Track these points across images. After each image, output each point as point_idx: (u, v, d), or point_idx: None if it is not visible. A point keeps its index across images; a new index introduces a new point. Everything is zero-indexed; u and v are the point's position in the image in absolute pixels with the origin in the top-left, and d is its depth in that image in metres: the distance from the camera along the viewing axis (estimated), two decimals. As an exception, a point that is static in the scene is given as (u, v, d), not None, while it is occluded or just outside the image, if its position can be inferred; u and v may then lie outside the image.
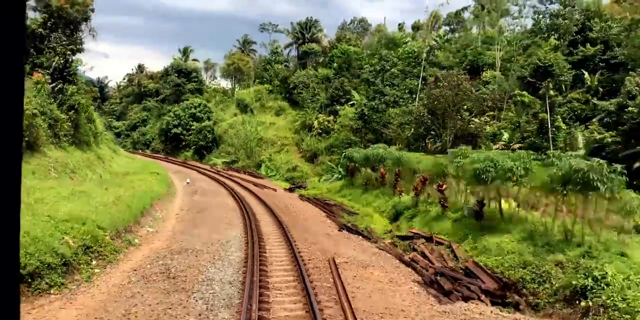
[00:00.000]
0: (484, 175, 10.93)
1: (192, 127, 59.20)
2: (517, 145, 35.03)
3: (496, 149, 34.18)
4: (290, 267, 10.03)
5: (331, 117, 50.15)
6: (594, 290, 7.76)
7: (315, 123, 51.19)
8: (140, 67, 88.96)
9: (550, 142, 33.19)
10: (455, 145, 35.20)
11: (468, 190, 13.54)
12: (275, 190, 27.55)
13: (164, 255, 10.43)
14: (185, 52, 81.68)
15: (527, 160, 10.98)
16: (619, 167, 9.41)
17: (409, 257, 10.97)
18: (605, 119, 33.01)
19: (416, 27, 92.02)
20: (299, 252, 11.04)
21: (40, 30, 20.60)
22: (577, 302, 7.85)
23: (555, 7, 45.39)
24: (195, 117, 60.70)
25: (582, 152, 32.23)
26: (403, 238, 12.81)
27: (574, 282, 8.12)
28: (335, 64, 57.03)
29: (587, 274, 8.13)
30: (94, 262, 9.62)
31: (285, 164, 50.14)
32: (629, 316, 7.03)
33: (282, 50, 73.09)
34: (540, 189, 10.71)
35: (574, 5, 45.41)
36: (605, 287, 7.68)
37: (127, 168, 25.22)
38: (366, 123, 42.00)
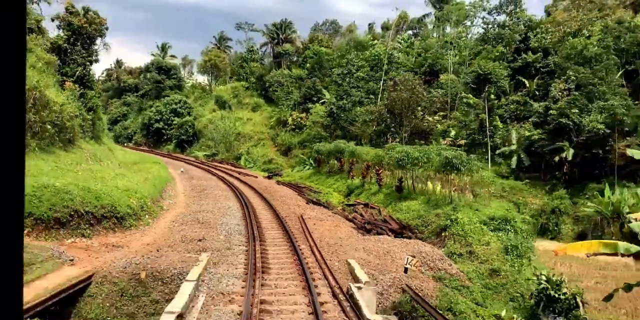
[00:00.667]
0: (401, 162, 16.81)
1: (174, 122, 63.68)
2: (463, 141, 41.58)
3: (444, 144, 40.60)
4: (274, 220, 15.75)
5: (304, 114, 55.75)
6: (450, 227, 13.74)
7: (290, 119, 56.80)
8: (119, 62, 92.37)
9: (489, 138, 39.76)
10: (412, 141, 41.53)
11: (394, 173, 19.52)
12: (257, 177, 33.15)
13: (189, 213, 16.03)
14: (163, 48, 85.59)
15: (429, 152, 17.00)
16: (473, 157, 15.48)
17: (352, 216, 16.84)
18: (536, 119, 39.66)
19: (385, 28, 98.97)
20: (279, 213, 16.77)
21: (65, 45, 25.68)
22: (441, 233, 13.82)
23: (502, 18, 52.12)
24: (176, 112, 65.31)
25: (514, 146, 38.99)
26: (349, 205, 18.69)
27: (441, 223, 14.13)
28: (308, 65, 62.59)
29: (449, 219, 14.12)
30: (147, 216, 15.20)
31: (262, 157, 55.71)
32: (464, 238, 13.01)
33: (257, 49, 77.87)
34: (435, 171, 16.67)
35: (519, 17, 52.14)
36: (456, 225, 13.66)
37: (130, 158, 30.40)
38: (335, 120, 47.73)
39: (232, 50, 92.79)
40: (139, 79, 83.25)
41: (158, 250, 11.07)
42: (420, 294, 9.09)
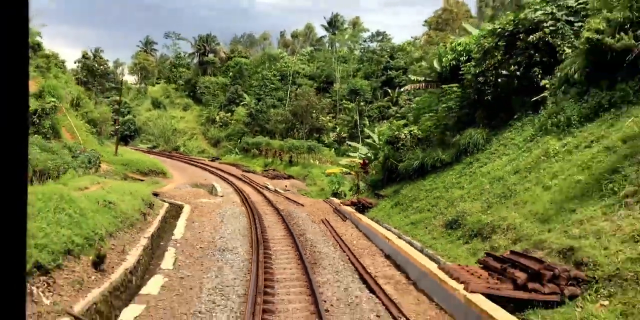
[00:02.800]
0: (291, 148, 35.43)
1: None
2: (345, 134, 61.77)
3: (333, 137, 60.52)
4: (228, 177, 33.83)
5: (229, 114, 73.23)
6: (309, 175, 32.76)
7: (217, 118, 74.01)
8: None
9: (359, 133, 60.12)
10: (310, 135, 61.00)
11: (289, 154, 38.51)
12: (204, 161, 50.56)
13: (185, 182, 33.76)
14: (96, 52, 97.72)
15: (304, 144, 35.87)
16: (315, 142, 34.71)
17: (266, 174, 35.49)
18: (392, 119, 60.53)
19: (295, 36, 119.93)
20: (226, 178, 34.88)
21: (84, 79, 41.70)
22: (305, 177, 32.81)
23: (374, 45, 73.23)
24: (118, 112, 79.40)
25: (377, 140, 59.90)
26: (265, 170, 37.22)
27: (306, 173, 33.22)
28: (230, 73, 79.83)
29: (309, 171, 33.19)
30: (168, 173, 32.88)
31: (196, 148, 72.41)
32: (313, 179, 32.02)
33: (185, 56, 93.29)
34: (306, 152, 35.78)
35: (385, 45, 73.53)
36: (311, 174, 32.72)
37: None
38: (254, 119, 65.78)
39: (157, 53, 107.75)
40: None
41: (177, 186, 28.91)
42: (290, 195, 27.81)
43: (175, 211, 17.22)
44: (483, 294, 7.44)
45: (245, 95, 73.12)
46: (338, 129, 63.07)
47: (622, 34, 11.48)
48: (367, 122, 62.34)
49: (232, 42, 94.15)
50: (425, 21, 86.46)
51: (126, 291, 8.11)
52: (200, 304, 7.50)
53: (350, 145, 40.59)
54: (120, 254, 9.38)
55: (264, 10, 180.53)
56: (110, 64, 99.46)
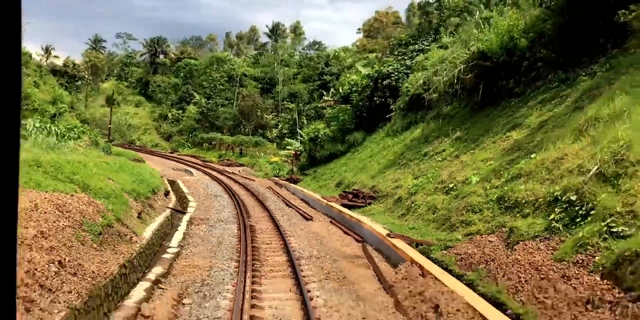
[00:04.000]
0: (241, 143, 45.62)
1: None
2: (286, 131, 72.60)
3: (275, 134, 71.23)
4: (193, 165, 43.65)
5: (180, 111, 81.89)
6: (256, 163, 43.34)
7: (170, 115, 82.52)
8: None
9: (299, 129, 71.07)
10: (256, 131, 71.27)
11: (239, 147, 48.68)
12: (166, 153, 59.61)
13: (162, 168, 43.20)
14: (47, 50, 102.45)
15: (252, 139, 46.11)
16: (261, 138, 45.39)
17: (223, 163, 45.40)
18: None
19: (239, 37, 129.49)
20: (193, 165, 44.61)
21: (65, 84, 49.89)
22: (254, 165, 43.35)
23: (312, 52, 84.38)
24: (74, 107, 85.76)
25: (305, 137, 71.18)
26: (221, 161, 47.24)
27: (253, 162, 43.75)
28: (181, 74, 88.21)
29: (257, 160, 43.57)
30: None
31: (150, 142, 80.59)
32: (260, 166, 42.65)
33: (136, 56, 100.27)
34: (253, 146, 46.18)
35: (323, 52, 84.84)
36: (258, 163, 43.21)
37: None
38: (205, 116, 75.05)
39: (106, 50, 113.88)
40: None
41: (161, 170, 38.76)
42: (244, 175, 38.18)
43: (172, 183, 27.33)
44: (337, 204, 18.64)
45: (195, 94, 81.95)
46: (280, 126, 73.69)
47: (423, 86, 23.10)
48: (305, 121, 73.48)
49: (182, 44, 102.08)
50: (359, 29, 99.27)
51: (182, 205, 18.63)
52: (216, 210, 18.17)
53: (289, 140, 51.24)
54: (168, 195, 19.78)
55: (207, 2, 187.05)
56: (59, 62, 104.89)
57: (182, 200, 19.67)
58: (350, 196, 18.93)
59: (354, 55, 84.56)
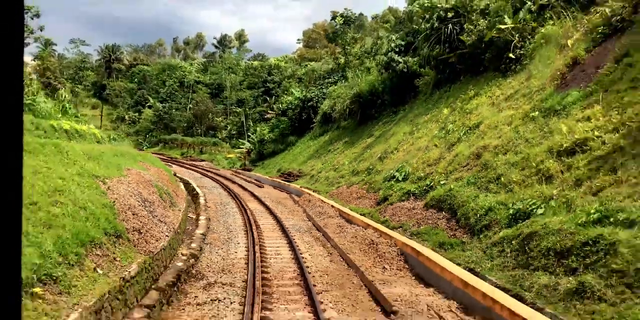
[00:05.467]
0: (201, 143, 57.51)
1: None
2: (234, 133, 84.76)
3: (225, 134, 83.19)
4: (163, 160, 55.21)
5: (137, 113, 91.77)
6: (215, 159, 55.39)
7: (127, 117, 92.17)
8: None
9: (246, 131, 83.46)
10: (207, 132, 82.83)
11: (200, 146, 60.64)
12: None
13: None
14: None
15: (211, 140, 58.30)
16: (218, 139, 57.64)
17: (187, 160, 57.28)
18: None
19: (187, 43, 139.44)
20: (165, 161, 56.06)
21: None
22: (212, 160, 55.42)
23: (256, 62, 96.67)
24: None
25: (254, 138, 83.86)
26: (185, 157, 59.02)
27: (212, 158, 55.86)
28: (136, 79, 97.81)
29: (215, 156, 55.75)
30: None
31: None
32: (218, 161, 54.77)
33: (92, 61, 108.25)
34: (212, 146, 58.27)
35: (265, 63, 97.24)
36: (216, 158, 55.40)
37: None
38: (160, 119, 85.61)
39: (56, 54, 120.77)
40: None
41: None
42: (208, 167, 50.37)
43: (162, 172, 39.43)
44: (278, 179, 31.78)
45: (150, 98, 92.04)
46: (229, 128, 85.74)
47: (331, 108, 36.80)
48: (251, 123, 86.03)
49: (134, 50, 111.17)
50: (299, 39, 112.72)
51: (194, 191, 31.17)
52: (208, 184, 30.89)
53: (240, 141, 63.65)
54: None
55: None
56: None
57: (182, 179, 32.12)
58: (286, 175, 32.21)
59: (294, 63, 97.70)
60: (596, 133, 9.42)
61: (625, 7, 12.81)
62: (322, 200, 20.02)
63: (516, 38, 16.50)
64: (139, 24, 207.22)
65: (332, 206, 18.44)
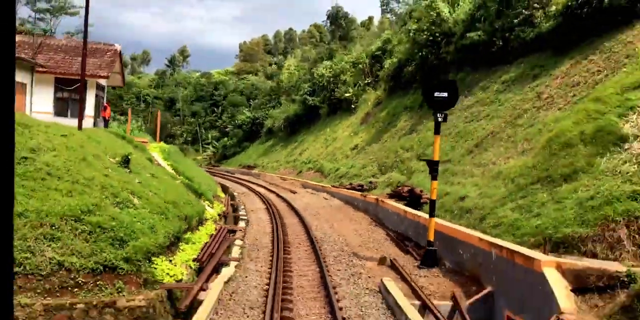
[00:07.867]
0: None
1: None
2: (190, 139, 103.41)
3: (182, 141, 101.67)
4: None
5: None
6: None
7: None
8: None
9: (200, 138, 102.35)
10: (167, 140, 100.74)
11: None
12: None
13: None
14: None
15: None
16: (185, 145, 76.75)
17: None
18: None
19: (133, 58, 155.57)
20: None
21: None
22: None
23: (203, 80, 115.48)
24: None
25: (217, 144, 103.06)
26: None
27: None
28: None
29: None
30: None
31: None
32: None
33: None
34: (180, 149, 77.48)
35: (211, 79, 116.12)
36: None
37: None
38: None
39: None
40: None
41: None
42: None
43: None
44: (241, 170, 52.53)
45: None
46: (185, 135, 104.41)
47: (272, 124, 57.91)
48: (203, 131, 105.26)
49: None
50: (236, 55, 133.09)
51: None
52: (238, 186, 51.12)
53: (206, 147, 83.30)
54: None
55: None
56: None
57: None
58: (246, 167, 52.84)
59: (234, 76, 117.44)
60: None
61: (385, 90, 34.99)
62: (272, 176, 41.12)
63: (354, 98, 38.44)
64: (64, 27, 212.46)
65: (279, 177, 39.64)
